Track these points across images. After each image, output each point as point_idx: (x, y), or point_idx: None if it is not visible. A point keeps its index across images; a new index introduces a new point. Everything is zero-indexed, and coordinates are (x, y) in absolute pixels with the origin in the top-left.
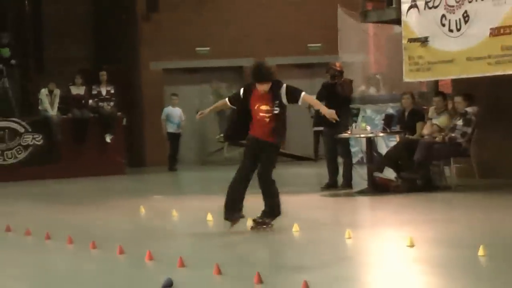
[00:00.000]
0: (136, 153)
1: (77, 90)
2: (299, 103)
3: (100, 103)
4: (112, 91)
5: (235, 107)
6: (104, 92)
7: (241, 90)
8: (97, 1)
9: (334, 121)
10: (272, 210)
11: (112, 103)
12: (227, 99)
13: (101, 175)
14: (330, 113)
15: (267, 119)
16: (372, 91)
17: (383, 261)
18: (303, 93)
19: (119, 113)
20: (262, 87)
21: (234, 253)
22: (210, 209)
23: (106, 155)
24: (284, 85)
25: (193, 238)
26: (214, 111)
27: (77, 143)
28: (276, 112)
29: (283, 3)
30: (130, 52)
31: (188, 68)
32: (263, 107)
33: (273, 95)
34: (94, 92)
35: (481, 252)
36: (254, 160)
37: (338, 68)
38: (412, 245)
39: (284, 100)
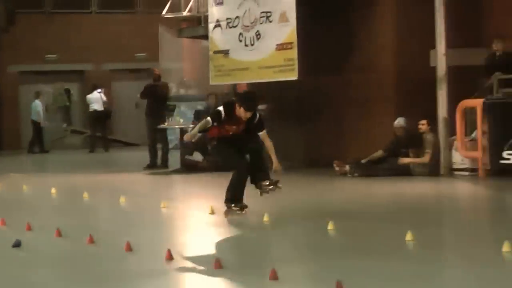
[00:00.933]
0: None
1: None
2: (258, 133)
3: None
4: None
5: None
6: None
7: (222, 111)
8: None
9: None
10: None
11: None
12: (210, 120)
13: None
14: (276, 166)
15: (230, 133)
16: (182, 92)
17: (190, 225)
18: (264, 130)
19: None
20: (247, 115)
21: (72, 219)
22: (54, 185)
23: None
24: (258, 116)
25: (39, 207)
26: (199, 130)
27: None
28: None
29: (117, 20)
30: None
31: (39, 71)
32: (234, 128)
33: (247, 121)
34: None
35: (265, 218)
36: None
37: (158, 73)
38: (212, 213)
39: (251, 126)
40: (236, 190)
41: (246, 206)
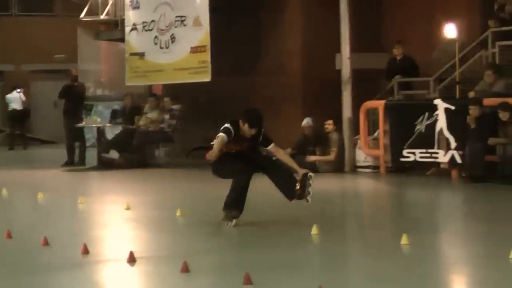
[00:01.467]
0: None
1: None
2: (266, 149)
3: None
4: None
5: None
6: None
7: (231, 129)
8: None
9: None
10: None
11: None
12: (225, 136)
13: None
14: (304, 172)
15: (233, 151)
16: (99, 92)
17: (106, 220)
18: (273, 143)
19: None
20: (251, 132)
21: (23, 222)
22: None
23: None
24: (262, 132)
25: None
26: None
27: None
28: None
29: (36, 23)
30: None
31: None
32: (237, 146)
33: (252, 139)
34: None
35: (178, 213)
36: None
37: (75, 74)
38: (128, 208)
39: (255, 143)
40: (232, 197)
41: (236, 217)
